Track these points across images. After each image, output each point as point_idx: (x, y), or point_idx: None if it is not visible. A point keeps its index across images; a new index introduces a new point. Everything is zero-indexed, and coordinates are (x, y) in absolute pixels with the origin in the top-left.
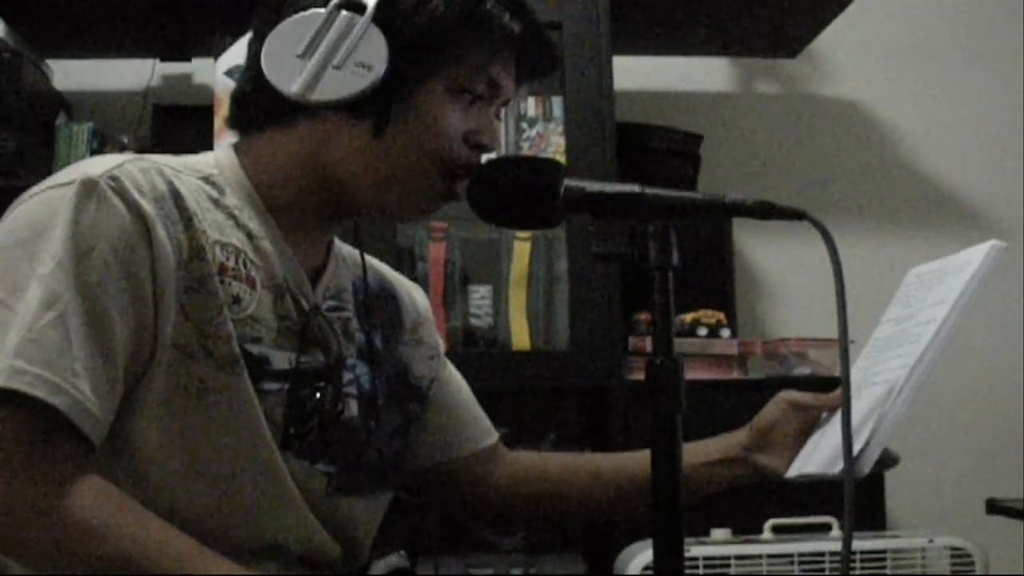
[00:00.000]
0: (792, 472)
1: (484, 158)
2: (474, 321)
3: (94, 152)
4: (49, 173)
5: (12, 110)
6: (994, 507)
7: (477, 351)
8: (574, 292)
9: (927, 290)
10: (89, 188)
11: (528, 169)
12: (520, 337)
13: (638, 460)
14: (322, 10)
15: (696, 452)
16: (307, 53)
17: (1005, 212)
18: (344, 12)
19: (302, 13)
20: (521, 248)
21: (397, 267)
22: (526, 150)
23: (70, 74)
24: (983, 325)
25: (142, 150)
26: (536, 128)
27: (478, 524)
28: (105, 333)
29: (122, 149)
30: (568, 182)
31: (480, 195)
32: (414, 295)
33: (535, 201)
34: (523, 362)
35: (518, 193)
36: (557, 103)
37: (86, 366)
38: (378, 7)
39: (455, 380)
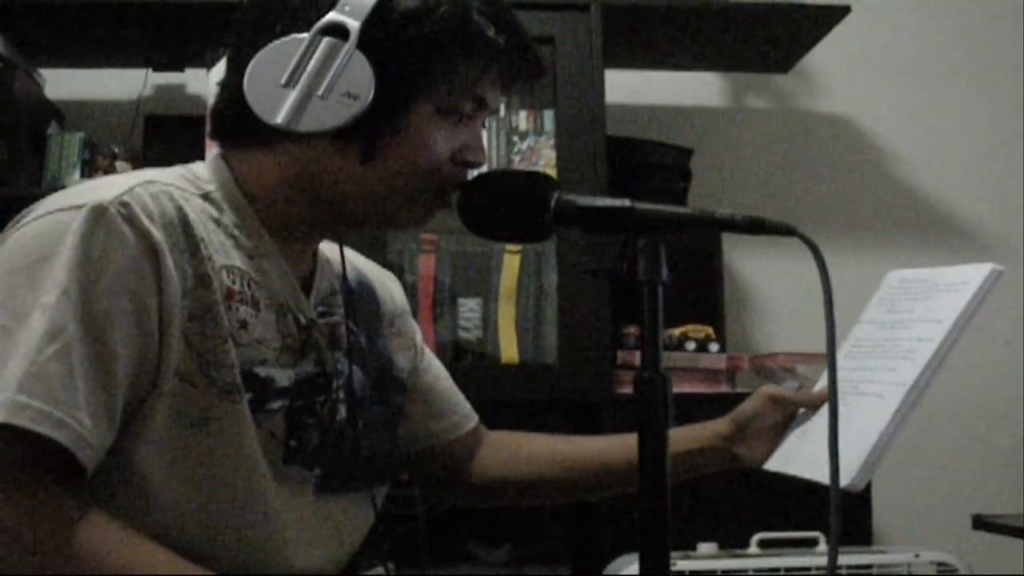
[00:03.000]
0: (774, 465)
1: (472, 173)
2: (463, 334)
3: (85, 162)
4: (39, 182)
5: (3, 119)
6: (980, 523)
7: (466, 364)
8: (563, 305)
9: (915, 301)
10: (99, 214)
11: (519, 182)
12: (509, 350)
13: (619, 445)
14: (304, 35)
15: (676, 440)
16: (291, 82)
17: (997, 227)
18: (327, 38)
19: (283, 39)
20: (511, 261)
21: None
22: (517, 163)
23: (62, 83)
24: (969, 340)
25: (133, 160)
26: (527, 141)
27: (466, 531)
28: (107, 364)
29: (113, 159)
30: (559, 196)
31: (471, 208)
32: (389, 286)
33: (526, 214)
34: (512, 375)
35: (509, 206)
36: (549, 117)
37: (87, 398)
38: (362, 31)
39: (434, 368)
